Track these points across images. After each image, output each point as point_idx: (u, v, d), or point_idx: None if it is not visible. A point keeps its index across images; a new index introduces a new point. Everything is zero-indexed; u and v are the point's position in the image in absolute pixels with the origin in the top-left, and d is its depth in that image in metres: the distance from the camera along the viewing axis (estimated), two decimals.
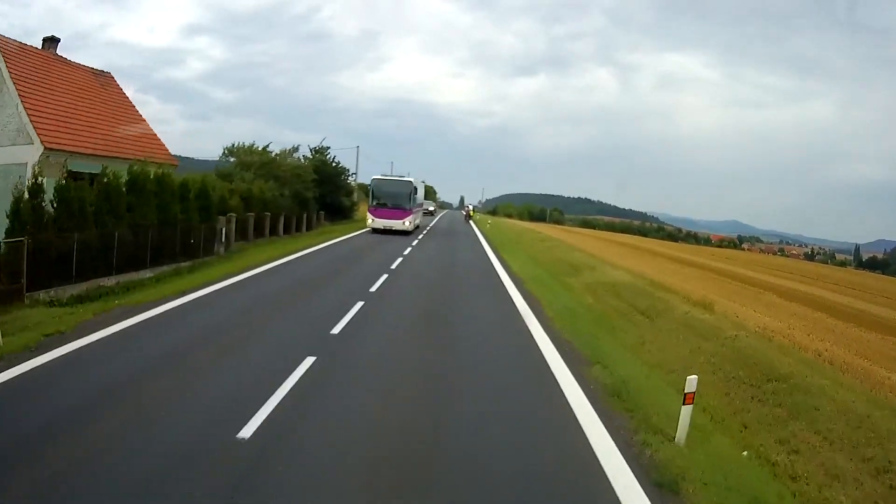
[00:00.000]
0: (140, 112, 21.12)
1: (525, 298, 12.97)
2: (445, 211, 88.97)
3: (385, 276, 14.61)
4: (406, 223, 27.95)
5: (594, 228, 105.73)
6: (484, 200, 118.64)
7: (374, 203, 27.98)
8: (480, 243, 28.36)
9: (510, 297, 13.24)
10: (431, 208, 62.59)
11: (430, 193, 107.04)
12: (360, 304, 10.84)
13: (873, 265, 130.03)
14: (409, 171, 33.54)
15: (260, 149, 27.91)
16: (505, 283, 15.22)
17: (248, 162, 26.43)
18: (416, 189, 30.30)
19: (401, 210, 27.71)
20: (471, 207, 63.35)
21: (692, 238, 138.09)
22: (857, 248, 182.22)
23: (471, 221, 51.63)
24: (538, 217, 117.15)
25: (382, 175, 29.84)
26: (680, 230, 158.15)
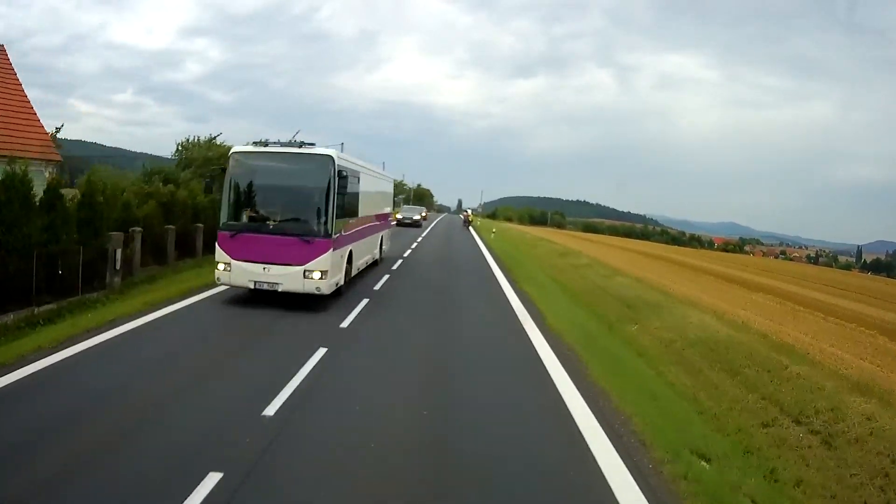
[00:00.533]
0: (26, 93, 15.60)
1: (588, 400, 7.07)
2: (443, 215, 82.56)
3: (320, 352, 8.72)
4: (315, 276, 10.39)
5: (596, 232, 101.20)
6: (483, 203, 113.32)
7: (244, 218, 10.90)
8: (485, 259, 22.54)
9: (565, 405, 7.08)
10: (417, 217, 42.95)
11: (425, 196, 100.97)
12: (214, 478, 4.67)
13: (877, 267, 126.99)
14: (397, 171, 20.92)
15: (207, 141, 21.70)
16: (546, 362, 8.73)
17: (190, 158, 20.73)
18: (344, 177, 11.20)
19: (301, 239, 10.41)
20: (470, 212, 58.04)
21: (696, 241, 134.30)
22: (860, 249, 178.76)
23: (470, 228, 46.03)
24: (539, 220, 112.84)
25: (258, 146, 10.97)
26: (683, 233, 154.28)
